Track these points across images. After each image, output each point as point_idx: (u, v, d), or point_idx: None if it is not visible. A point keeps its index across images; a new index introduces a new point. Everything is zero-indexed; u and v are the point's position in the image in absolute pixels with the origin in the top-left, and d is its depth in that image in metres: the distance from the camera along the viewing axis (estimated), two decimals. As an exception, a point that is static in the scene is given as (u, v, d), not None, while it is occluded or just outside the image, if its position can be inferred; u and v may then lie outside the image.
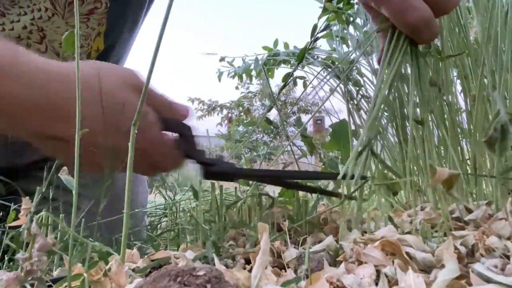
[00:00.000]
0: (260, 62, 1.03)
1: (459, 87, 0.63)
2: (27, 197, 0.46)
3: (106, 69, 0.49)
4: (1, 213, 0.57)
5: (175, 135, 0.52)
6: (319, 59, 0.91)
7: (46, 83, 0.44)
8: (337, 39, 0.85)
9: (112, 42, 0.83)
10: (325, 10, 0.82)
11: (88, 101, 0.43)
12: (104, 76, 0.47)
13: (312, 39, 0.86)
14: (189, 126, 0.52)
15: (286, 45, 1.06)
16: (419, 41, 0.49)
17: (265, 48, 1.07)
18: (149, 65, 0.35)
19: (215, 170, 0.51)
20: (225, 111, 11.83)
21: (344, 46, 0.87)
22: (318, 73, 0.89)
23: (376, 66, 0.78)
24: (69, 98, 0.41)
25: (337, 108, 0.94)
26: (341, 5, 0.80)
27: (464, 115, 0.62)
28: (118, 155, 0.43)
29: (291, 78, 0.92)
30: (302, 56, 0.86)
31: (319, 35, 0.86)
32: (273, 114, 1.09)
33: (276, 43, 1.06)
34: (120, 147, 0.42)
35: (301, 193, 0.62)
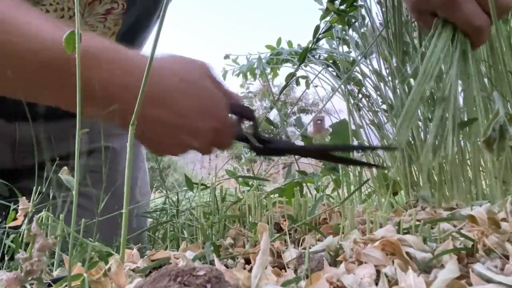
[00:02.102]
0: (263, 60, 1.03)
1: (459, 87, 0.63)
2: (24, 197, 0.46)
3: (188, 62, 0.56)
4: (3, 213, 0.57)
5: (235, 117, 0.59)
6: (321, 58, 0.91)
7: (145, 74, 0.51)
8: (338, 40, 0.85)
9: (124, 43, 0.82)
10: (327, 11, 0.82)
11: (186, 92, 0.52)
12: (190, 68, 0.55)
13: (314, 39, 0.86)
14: (251, 109, 0.59)
15: (289, 44, 1.05)
16: (477, 43, 0.59)
17: (268, 47, 1.06)
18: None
19: (273, 146, 0.57)
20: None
21: (345, 46, 0.87)
22: (319, 72, 0.89)
23: (376, 67, 0.78)
24: (165, 88, 0.51)
25: (337, 108, 0.94)
26: (343, 6, 0.80)
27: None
28: (199, 135, 0.53)
29: (293, 78, 0.92)
30: (303, 57, 0.86)
31: (321, 35, 0.86)
32: (273, 114, 1.09)
33: (279, 42, 1.06)
34: (203, 129, 0.53)
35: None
